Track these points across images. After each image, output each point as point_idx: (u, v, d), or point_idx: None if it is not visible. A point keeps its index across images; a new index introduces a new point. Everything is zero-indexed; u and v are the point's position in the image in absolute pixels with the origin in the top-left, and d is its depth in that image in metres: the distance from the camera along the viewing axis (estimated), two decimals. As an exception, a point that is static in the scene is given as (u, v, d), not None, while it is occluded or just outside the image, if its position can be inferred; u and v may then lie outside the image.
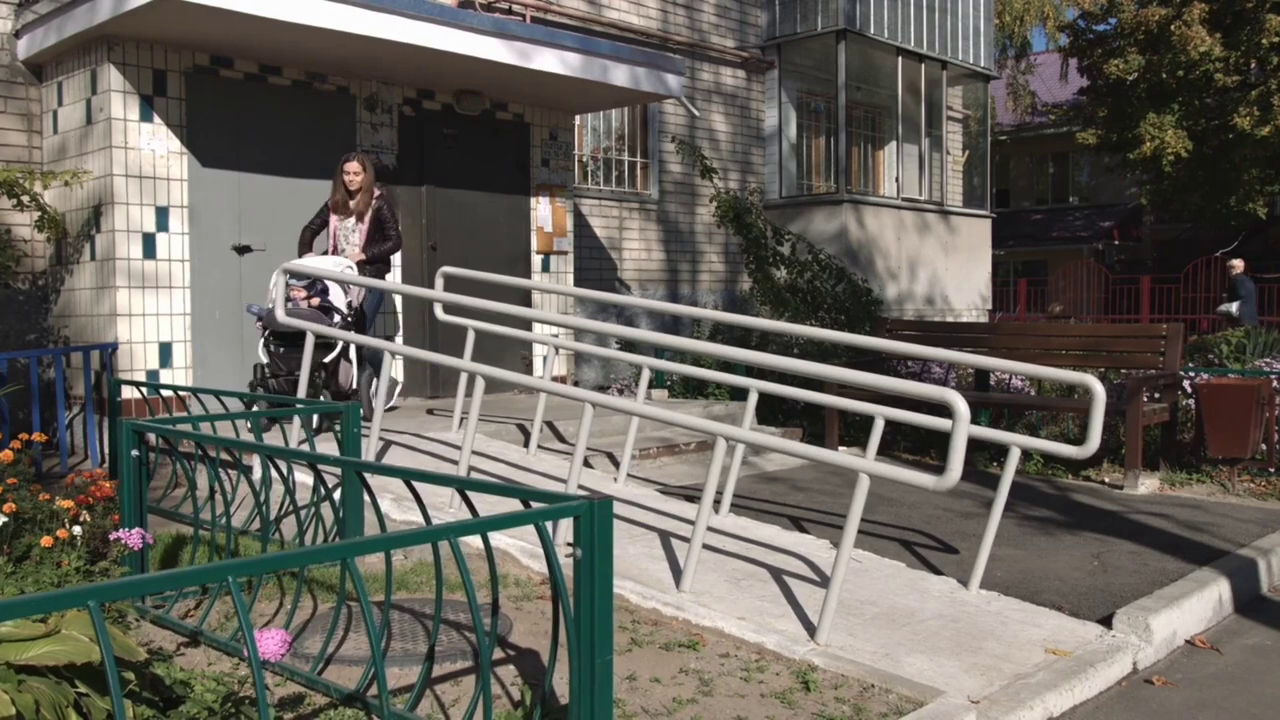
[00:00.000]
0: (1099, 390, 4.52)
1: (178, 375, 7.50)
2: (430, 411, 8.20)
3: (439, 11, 7.67)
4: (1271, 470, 7.26)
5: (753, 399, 5.52)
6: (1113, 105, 22.51)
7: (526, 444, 7.01)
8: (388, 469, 3.12)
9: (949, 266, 14.36)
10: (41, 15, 7.48)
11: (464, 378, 7.02)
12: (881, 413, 4.98)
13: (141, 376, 7.29)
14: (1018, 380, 8.76)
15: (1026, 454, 7.74)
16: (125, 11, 6.65)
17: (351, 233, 7.73)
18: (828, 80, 13.44)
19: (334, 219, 7.75)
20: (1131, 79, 21.41)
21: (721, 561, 4.91)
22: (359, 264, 7.49)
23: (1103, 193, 30.02)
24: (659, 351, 9.10)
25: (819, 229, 12.87)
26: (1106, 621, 4.44)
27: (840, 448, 8.30)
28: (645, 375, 6.13)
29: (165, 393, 6.82)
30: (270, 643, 2.79)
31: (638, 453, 7.36)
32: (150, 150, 7.37)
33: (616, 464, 6.70)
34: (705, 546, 5.07)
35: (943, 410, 3.90)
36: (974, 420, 8.50)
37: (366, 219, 7.68)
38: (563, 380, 9.81)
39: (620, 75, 8.83)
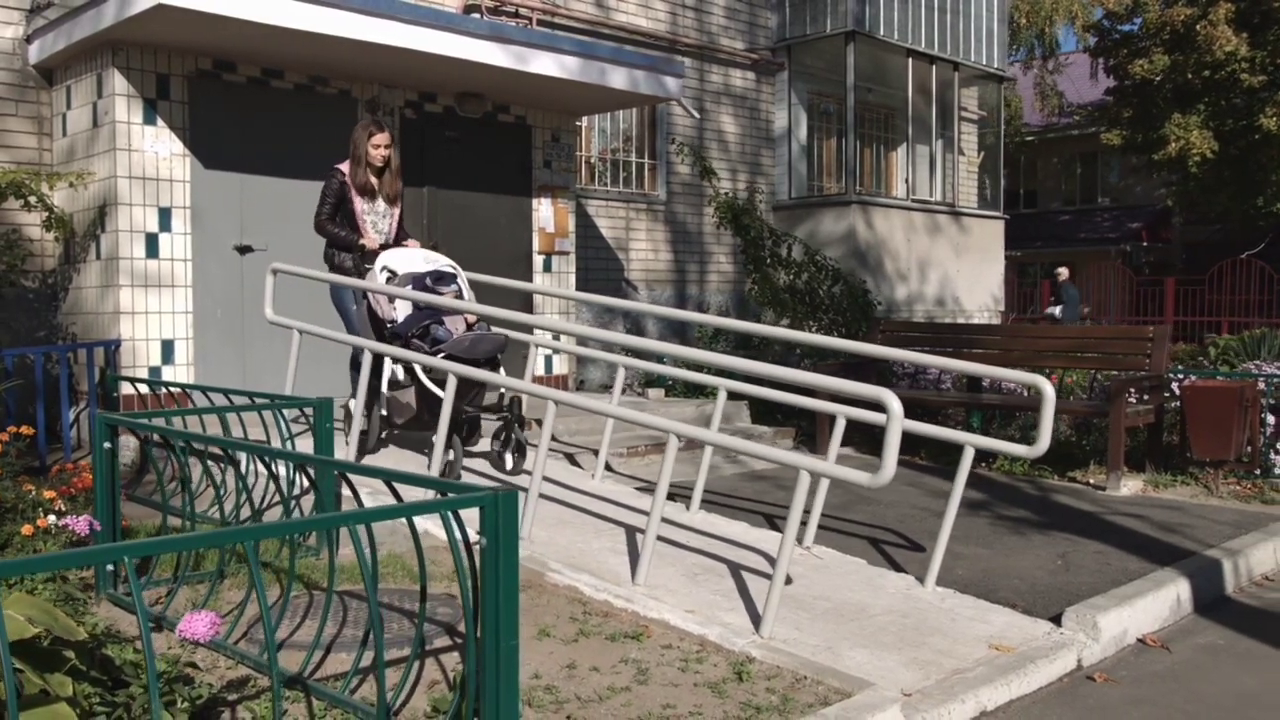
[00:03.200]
0: (1048, 391, 4.58)
1: (180, 372, 7.70)
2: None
3: (434, 16, 7.83)
4: (1257, 473, 7.26)
5: (721, 397, 5.64)
6: (1138, 106, 22.37)
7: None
8: (329, 461, 3.25)
9: (961, 268, 14.36)
10: (51, 21, 7.72)
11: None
12: (844, 412, 5.07)
13: (144, 373, 7.49)
14: (1009, 383, 8.78)
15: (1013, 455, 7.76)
16: (127, 18, 6.85)
17: (382, 219, 6.70)
18: (838, 82, 13.48)
19: (359, 203, 6.60)
20: (1157, 79, 21.27)
21: (682, 556, 5.01)
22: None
23: (1132, 194, 29.76)
24: (659, 357, 9.20)
25: (828, 230, 12.92)
26: (1057, 619, 4.51)
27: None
28: (620, 375, 6.27)
29: (165, 388, 7.01)
30: (199, 624, 2.94)
31: (625, 450, 7.49)
32: (154, 153, 7.57)
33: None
34: (669, 542, 5.19)
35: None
36: (966, 422, 8.58)
37: (399, 204, 6.75)
38: (564, 379, 9.95)
39: (618, 78, 8.94)
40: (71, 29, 7.46)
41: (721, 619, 4.22)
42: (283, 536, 3.42)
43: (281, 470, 5.39)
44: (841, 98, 13.49)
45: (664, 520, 5.41)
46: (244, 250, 8.03)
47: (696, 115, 12.33)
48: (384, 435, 6.60)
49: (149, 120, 7.56)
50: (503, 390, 6.16)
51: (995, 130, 16.41)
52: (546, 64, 8.41)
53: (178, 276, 7.70)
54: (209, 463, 4.59)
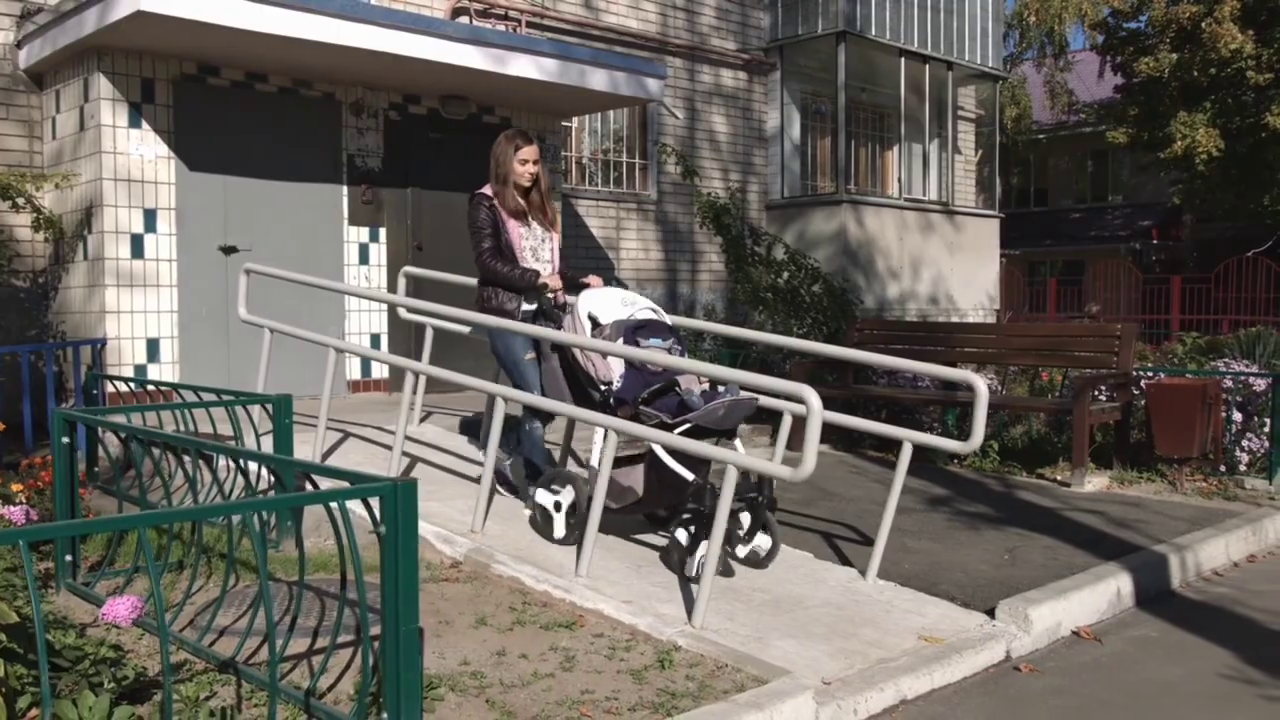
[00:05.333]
0: (981, 388, 4.68)
1: (165, 370, 7.88)
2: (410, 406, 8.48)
3: (412, 21, 7.97)
4: (1221, 469, 7.30)
5: (676, 394, 5.74)
6: (1144, 103, 22.33)
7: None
8: (259, 455, 3.39)
9: (954, 266, 14.40)
10: (40, 26, 7.90)
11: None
12: (789, 408, 5.20)
13: (130, 371, 7.67)
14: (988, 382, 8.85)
15: (983, 451, 7.85)
16: (108, 24, 7.02)
17: (542, 245, 5.69)
18: (831, 81, 13.55)
19: (515, 230, 5.57)
20: (1163, 77, 21.22)
21: (629, 549, 5.13)
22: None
23: (1143, 192, 29.65)
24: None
25: (818, 229, 13.01)
26: (992, 612, 4.60)
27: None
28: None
29: (148, 385, 7.17)
30: (121, 608, 3.08)
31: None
32: (139, 155, 7.75)
33: (576, 456, 6.90)
34: (620, 534, 5.30)
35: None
36: (943, 419, 8.66)
37: (557, 229, 5.85)
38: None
39: (598, 80, 9.06)
40: (57, 35, 7.64)
41: (656, 609, 4.33)
42: (198, 522, 3.55)
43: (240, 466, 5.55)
44: (833, 97, 13.57)
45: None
46: (228, 251, 8.19)
47: (679, 116, 12.43)
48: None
49: (134, 123, 7.73)
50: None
51: (992, 129, 16.43)
52: (525, 66, 8.53)
53: (163, 276, 7.87)
54: (161, 455, 4.74)
